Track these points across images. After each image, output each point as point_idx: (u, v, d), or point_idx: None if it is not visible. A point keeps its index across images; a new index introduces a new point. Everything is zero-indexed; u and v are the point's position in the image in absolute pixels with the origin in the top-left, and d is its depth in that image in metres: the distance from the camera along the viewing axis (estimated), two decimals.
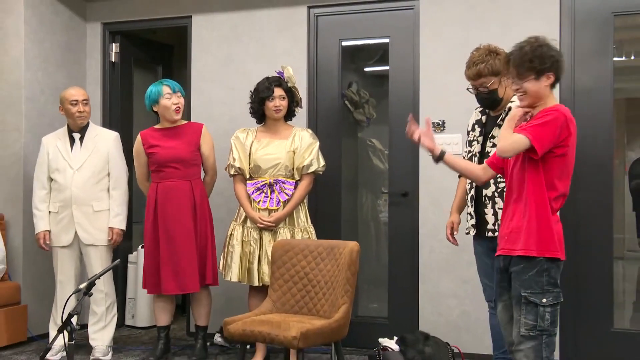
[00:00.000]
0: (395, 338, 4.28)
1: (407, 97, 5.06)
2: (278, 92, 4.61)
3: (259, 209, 4.58)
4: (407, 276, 5.00)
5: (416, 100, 5.01)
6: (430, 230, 4.94)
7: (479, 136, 3.82)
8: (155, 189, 4.75)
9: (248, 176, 4.65)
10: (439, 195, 4.92)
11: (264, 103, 4.62)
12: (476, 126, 3.87)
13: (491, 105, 3.76)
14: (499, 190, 3.68)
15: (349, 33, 5.28)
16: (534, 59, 3.03)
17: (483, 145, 3.78)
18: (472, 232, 3.87)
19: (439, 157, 3.26)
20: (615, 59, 4.72)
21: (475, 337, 4.82)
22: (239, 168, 4.64)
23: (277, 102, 4.60)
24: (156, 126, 4.89)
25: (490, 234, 3.74)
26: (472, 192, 3.82)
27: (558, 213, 3.14)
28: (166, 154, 4.71)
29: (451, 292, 4.91)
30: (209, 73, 5.54)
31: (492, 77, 3.66)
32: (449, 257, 4.87)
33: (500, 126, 3.62)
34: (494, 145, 3.65)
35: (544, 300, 3.03)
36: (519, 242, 3.09)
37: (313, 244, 4.09)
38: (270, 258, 4.36)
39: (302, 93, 5.17)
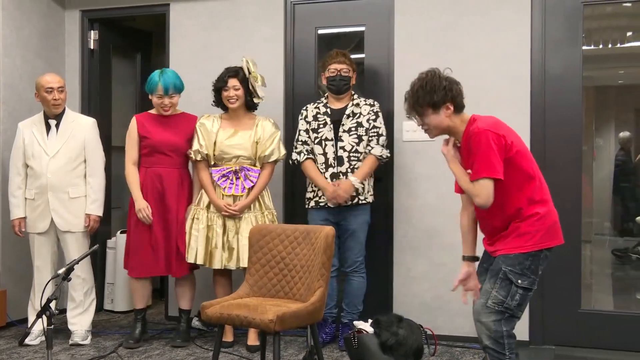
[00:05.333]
0: (370, 320, 4.25)
1: (382, 84, 5.04)
2: (232, 82, 4.62)
3: (223, 195, 4.59)
4: (382, 260, 4.98)
5: (391, 88, 4.99)
6: (404, 214, 4.93)
7: (330, 124, 4.59)
8: (144, 175, 4.70)
9: (212, 163, 4.66)
10: (411, 181, 4.91)
11: (221, 93, 4.66)
12: (319, 116, 4.64)
13: (341, 90, 4.62)
14: (351, 167, 4.52)
15: (326, 21, 5.23)
16: (427, 96, 3.08)
17: (336, 132, 4.57)
18: (313, 204, 4.65)
19: (476, 259, 3.31)
20: (584, 47, 4.72)
21: (448, 318, 4.82)
22: (205, 154, 4.64)
23: (231, 92, 4.62)
24: (151, 111, 4.84)
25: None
26: (331, 170, 4.54)
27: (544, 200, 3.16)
28: (162, 139, 4.68)
29: (424, 275, 4.89)
30: (187, 60, 5.46)
31: (351, 67, 4.62)
32: (422, 241, 4.88)
33: (349, 116, 4.58)
34: (344, 131, 4.57)
35: (520, 281, 3.07)
36: (502, 244, 3.14)
37: (289, 229, 4.04)
38: (231, 244, 4.53)
39: (279, 80, 5.19)
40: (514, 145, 3.07)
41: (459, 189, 3.30)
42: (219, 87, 4.65)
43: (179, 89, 4.74)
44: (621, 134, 8.92)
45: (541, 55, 4.69)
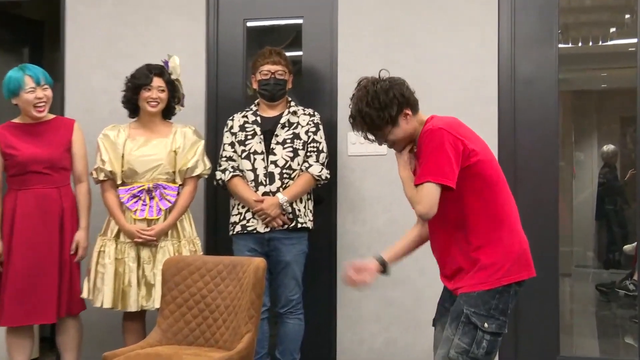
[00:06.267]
0: None
1: (323, 86, 5.10)
2: (157, 82, 4.61)
3: (135, 219, 4.55)
4: (323, 297, 5.02)
5: (334, 92, 5.04)
6: (350, 243, 4.97)
7: (261, 134, 4.62)
8: (14, 199, 4.57)
9: (120, 181, 4.61)
10: (358, 203, 4.97)
11: (139, 92, 4.61)
12: (247, 125, 4.68)
13: (276, 96, 4.66)
14: (283, 186, 4.54)
15: (255, 12, 5.27)
16: (380, 113, 3.12)
17: (267, 144, 4.61)
18: (238, 229, 4.63)
19: (384, 268, 3.31)
20: (560, 45, 4.85)
21: None
22: (110, 172, 4.59)
23: (155, 93, 4.60)
24: (15, 120, 4.73)
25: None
26: (262, 188, 4.57)
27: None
28: (31, 154, 4.55)
29: (374, 316, 4.93)
30: (88, 56, 5.42)
31: (287, 68, 4.68)
32: None
33: (284, 126, 4.62)
34: (278, 142, 4.59)
35: (486, 325, 3.06)
36: (464, 281, 3.14)
37: (212, 261, 4.05)
38: (149, 278, 4.48)
39: (201, 81, 5.21)
40: (476, 154, 3.09)
41: None
42: (140, 84, 4.60)
43: (49, 82, 4.67)
44: (605, 148, 9.11)
45: (510, 55, 4.80)
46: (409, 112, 3.15)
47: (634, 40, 4.73)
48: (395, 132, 3.16)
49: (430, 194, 3.02)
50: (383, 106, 3.10)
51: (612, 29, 5.78)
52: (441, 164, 3.01)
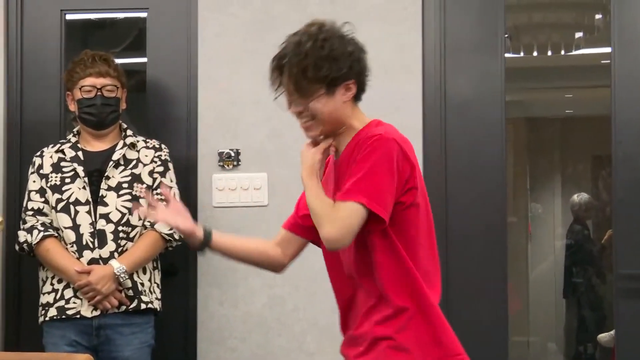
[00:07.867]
0: None
1: (177, 107, 5.19)
2: None
3: None
4: None
5: (192, 113, 5.13)
6: (215, 332, 5.05)
7: (84, 177, 4.64)
8: None
9: None
10: (228, 274, 5.04)
11: None
12: (64, 164, 4.67)
13: (104, 121, 4.69)
14: (119, 250, 4.58)
15: (79, 1, 5.37)
16: (322, 64, 3.08)
17: (94, 191, 4.64)
18: (53, 314, 4.57)
19: (203, 243, 3.32)
20: (507, 55, 5.04)
21: None
22: None
23: None
24: None
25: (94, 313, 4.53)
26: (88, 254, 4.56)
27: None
28: None
29: None
30: None
31: (119, 81, 4.71)
32: None
33: (118, 164, 4.64)
34: (110, 188, 4.61)
35: None
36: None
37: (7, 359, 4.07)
38: None
39: None
40: (415, 182, 3.10)
41: (293, 222, 3.36)
42: None
43: None
44: (576, 198, 9.04)
45: (439, 69, 4.98)
46: (353, 87, 3.16)
47: (608, 50, 4.84)
48: (325, 102, 3.11)
49: (353, 217, 2.97)
50: (330, 55, 3.07)
51: (578, 34, 5.81)
52: (382, 186, 2.99)
